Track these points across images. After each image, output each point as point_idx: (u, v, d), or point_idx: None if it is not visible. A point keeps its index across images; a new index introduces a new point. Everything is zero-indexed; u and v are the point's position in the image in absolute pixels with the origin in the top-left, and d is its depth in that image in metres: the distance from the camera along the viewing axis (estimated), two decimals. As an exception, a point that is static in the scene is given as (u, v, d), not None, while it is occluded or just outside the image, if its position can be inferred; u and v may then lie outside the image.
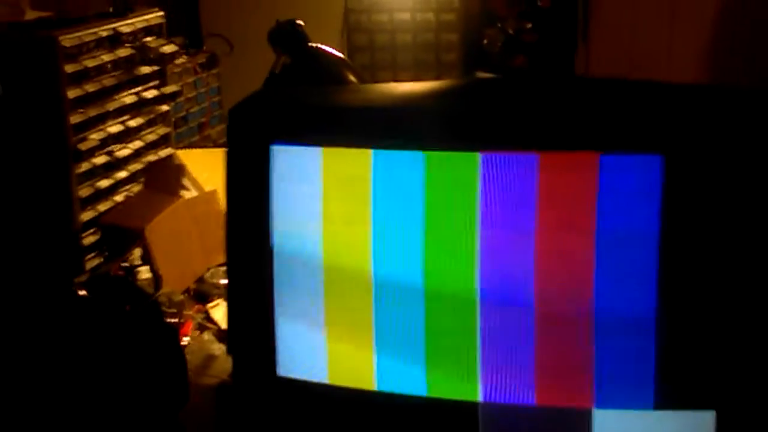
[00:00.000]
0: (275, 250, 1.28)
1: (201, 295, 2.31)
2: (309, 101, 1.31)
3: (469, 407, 1.21)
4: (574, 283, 1.17)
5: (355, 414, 1.27)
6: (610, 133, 1.17)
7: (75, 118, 2.62)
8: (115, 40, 2.80)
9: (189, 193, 2.70)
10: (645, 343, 1.15)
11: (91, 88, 2.68)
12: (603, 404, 1.18)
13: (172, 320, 2.06)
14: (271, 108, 1.30)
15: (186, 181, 2.75)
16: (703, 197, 1.13)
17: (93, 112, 2.69)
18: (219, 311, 2.19)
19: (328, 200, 1.25)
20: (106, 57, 2.75)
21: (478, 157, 1.18)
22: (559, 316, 1.18)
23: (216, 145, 3.21)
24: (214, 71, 3.35)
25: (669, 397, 1.16)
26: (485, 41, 3.13)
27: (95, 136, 2.69)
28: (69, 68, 2.59)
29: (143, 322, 1.61)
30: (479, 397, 1.21)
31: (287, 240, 1.27)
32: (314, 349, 1.27)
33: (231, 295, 1.35)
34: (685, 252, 1.14)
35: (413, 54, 3.48)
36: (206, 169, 2.81)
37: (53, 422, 1.44)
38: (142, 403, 1.49)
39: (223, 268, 2.23)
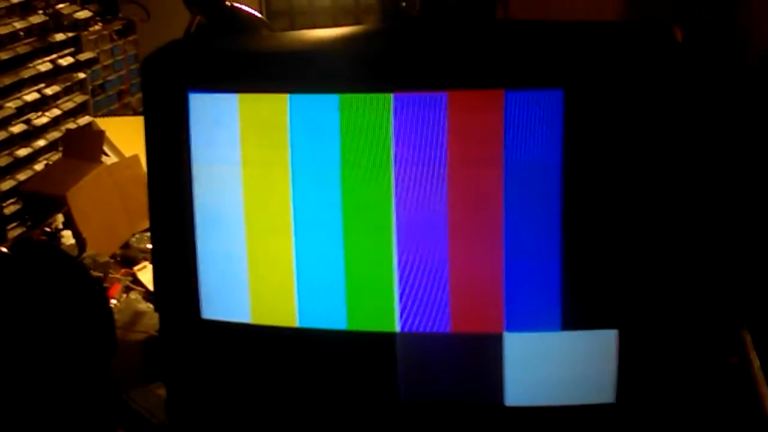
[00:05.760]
0: (196, 195, 1.31)
1: (127, 261, 2.32)
2: (224, 48, 1.34)
3: (388, 337, 1.27)
4: (484, 215, 1.23)
5: (278, 351, 1.32)
6: (513, 70, 1.22)
7: (-11, 86, 2.58)
8: (27, 6, 2.75)
9: (110, 160, 2.69)
10: (551, 268, 1.22)
11: (4, 55, 2.63)
12: (513, 328, 1.24)
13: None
14: (186, 55, 1.32)
15: (106, 148, 2.74)
16: (603, 127, 1.20)
17: (8, 80, 2.65)
18: (146, 274, 2.20)
19: (246, 145, 1.28)
20: (19, 24, 2.70)
21: (391, 97, 1.23)
22: (470, 247, 1.24)
23: (136, 114, 3.18)
24: (130, 38, 3.30)
25: (574, 318, 1.23)
26: (403, 3, 3.16)
27: (11, 104, 2.65)
28: (-20, 36, 2.55)
29: (68, 278, 1.61)
30: (396, 328, 1.27)
31: (208, 185, 1.30)
32: (237, 290, 1.31)
33: (154, 241, 1.38)
34: (587, 180, 1.21)
35: (332, 17, 3.50)
36: (127, 137, 2.80)
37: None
38: (69, 355, 1.51)
39: (149, 234, 2.24)
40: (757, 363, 1.52)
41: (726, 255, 1.25)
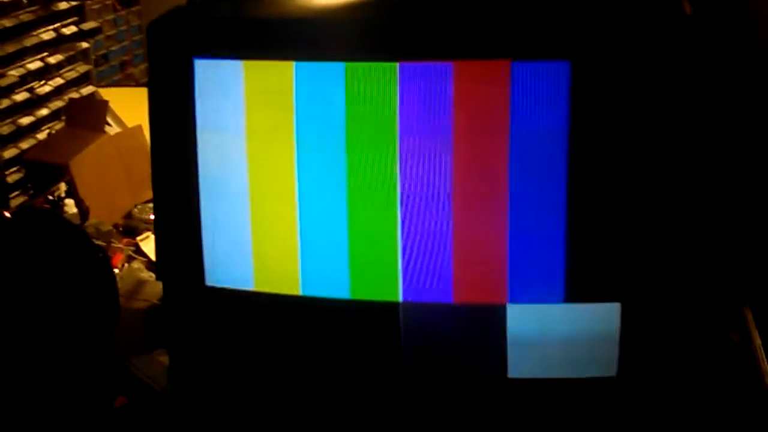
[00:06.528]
0: (200, 163, 1.30)
1: (130, 231, 2.31)
2: (229, 15, 1.33)
3: (391, 307, 1.27)
4: (489, 186, 1.23)
5: (281, 318, 1.32)
6: (521, 41, 1.22)
7: (-9, 54, 2.56)
8: (31, -26, 2.74)
9: (113, 130, 2.68)
10: (555, 239, 1.22)
11: (7, 23, 2.62)
12: (516, 299, 1.24)
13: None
14: (192, 22, 1.31)
15: (109, 118, 2.73)
16: (609, 99, 1.19)
17: (11, 48, 2.63)
18: (148, 244, 2.20)
19: (251, 112, 1.27)
20: (22, -8, 2.69)
21: (397, 66, 1.22)
22: (475, 217, 1.24)
23: (139, 85, 3.16)
24: (134, 9, 3.29)
25: (578, 290, 1.23)
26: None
27: (14, 72, 2.63)
28: (-17, 3, 2.54)
29: (71, 245, 1.61)
30: (400, 297, 1.27)
31: (212, 152, 1.30)
32: (240, 258, 1.31)
33: (158, 207, 1.37)
34: (592, 151, 1.20)
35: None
36: (129, 108, 2.78)
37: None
38: (73, 322, 1.51)
39: (151, 204, 2.23)
40: (758, 341, 1.52)
41: (729, 232, 1.25)
